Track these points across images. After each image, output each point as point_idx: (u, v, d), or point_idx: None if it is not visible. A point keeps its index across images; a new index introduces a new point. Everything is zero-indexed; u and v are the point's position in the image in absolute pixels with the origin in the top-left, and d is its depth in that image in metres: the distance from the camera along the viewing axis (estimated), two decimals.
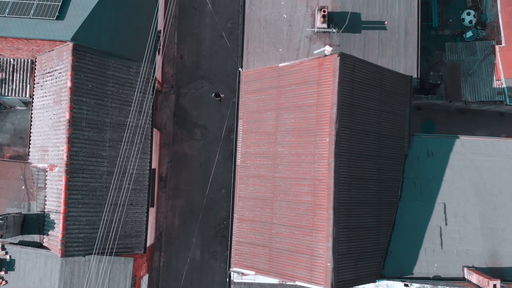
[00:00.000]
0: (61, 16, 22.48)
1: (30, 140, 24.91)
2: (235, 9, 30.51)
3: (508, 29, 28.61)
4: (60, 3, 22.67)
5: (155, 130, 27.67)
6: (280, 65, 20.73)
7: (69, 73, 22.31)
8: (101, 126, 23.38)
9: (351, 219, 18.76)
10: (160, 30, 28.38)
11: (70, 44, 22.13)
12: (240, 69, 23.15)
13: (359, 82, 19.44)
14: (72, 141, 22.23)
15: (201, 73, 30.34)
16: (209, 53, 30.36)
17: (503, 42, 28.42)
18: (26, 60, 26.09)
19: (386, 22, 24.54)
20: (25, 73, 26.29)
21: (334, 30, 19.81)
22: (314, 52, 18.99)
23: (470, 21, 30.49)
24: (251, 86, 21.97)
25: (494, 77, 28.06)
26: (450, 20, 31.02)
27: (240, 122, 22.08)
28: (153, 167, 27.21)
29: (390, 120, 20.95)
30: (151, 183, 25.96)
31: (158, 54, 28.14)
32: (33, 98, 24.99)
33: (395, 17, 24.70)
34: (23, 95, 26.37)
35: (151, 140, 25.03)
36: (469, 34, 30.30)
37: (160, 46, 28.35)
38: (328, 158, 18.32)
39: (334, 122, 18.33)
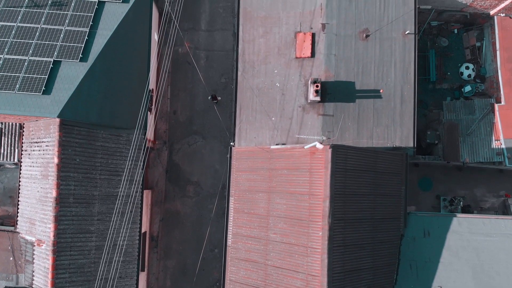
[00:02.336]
0: (47, 90, 21.90)
1: (18, 208, 24.37)
2: (229, 64, 29.93)
3: (507, 86, 28.02)
4: (46, 77, 22.09)
5: (146, 191, 27.10)
6: (271, 147, 20.19)
7: (56, 149, 21.74)
8: (89, 200, 22.80)
9: None
10: (153, 89, 27.85)
11: (57, 120, 21.57)
12: (231, 143, 22.61)
13: (352, 170, 18.88)
14: (59, 219, 21.67)
15: (195, 128, 29.76)
16: (203, 108, 29.78)
17: (502, 100, 27.82)
18: (14, 124, 25.52)
19: (381, 91, 23.95)
20: (13, 137, 25.70)
21: (324, 138, 19.24)
22: (305, 147, 18.40)
23: (469, 75, 29.90)
24: (242, 164, 21.41)
25: (493, 137, 27.48)
26: (449, 73, 30.43)
27: (232, 200, 21.53)
28: (144, 229, 26.69)
29: (385, 202, 20.39)
30: (142, 246, 25.45)
31: (150, 114, 27.63)
32: (21, 165, 24.42)
33: (390, 85, 24.10)
34: (11, 160, 25.78)
35: (141, 209, 24.47)
36: (467, 88, 29.73)
37: (152, 105, 27.83)
38: (321, 253, 17.76)
39: (327, 216, 17.77)
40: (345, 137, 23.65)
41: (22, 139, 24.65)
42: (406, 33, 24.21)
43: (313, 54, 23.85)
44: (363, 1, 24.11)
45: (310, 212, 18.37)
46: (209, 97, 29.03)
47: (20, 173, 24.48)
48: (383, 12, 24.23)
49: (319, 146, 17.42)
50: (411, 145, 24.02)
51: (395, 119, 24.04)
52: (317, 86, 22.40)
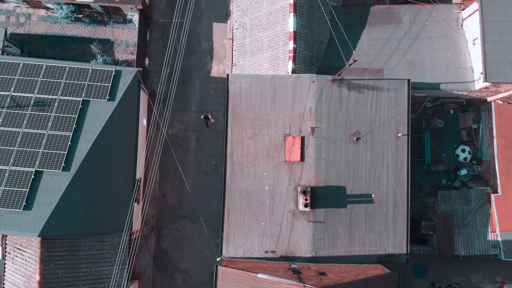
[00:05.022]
0: (28, 205, 21.24)
1: None
2: (219, 145, 29.25)
3: (504, 175, 27.31)
4: (27, 190, 21.43)
5: (132, 286, 26.43)
6: (258, 275, 19.52)
7: (37, 265, 21.14)
8: None
9: None
10: (140, 178, 27.19)
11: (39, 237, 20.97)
12: (218, 258, 21.95)
13: None
14: None
15: (184, 212, 29.09)
16: (193, 191, 29.09)
17: (499, 190, 27.11)
18: None
19: (373, 195, 23.26)
20: None
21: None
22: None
23: (465, 158, 29.18)
24: (228, 286, 20.72)
25: (489, 229, 26.75)
26: (444, 154, 29.70)
27: None
28: None
29: None
30: None
31: (138, 204, 26.98)
32: (5, 267, 23.81)
33: (383, 189, 23.40)
34: None
35: None
36: (463, 172, 29.01)
37: (140, 195, 27.17)
38: None
39: None
40: (336, 245, 22.99)
41: (6, 239, 24.03)
42: (399, 135, 23.51)
43: (302, 158, 23.16)
44: (354, 103, 23.43)
45: None
46: (202, 117, 28.39)
47: (4, 275, 23.87)
48: (374, 114, 23.54)
49: None
50: (405, 251, 23.30)
51: (388, 224, 23.33)
52: (306, 200, 21.74)
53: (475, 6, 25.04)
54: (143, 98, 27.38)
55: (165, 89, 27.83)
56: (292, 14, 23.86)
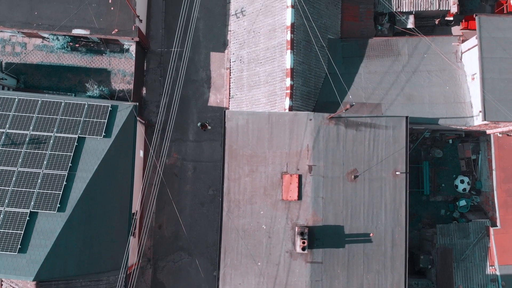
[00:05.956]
0: (23, 248, 21.04)
1: None
2: (217, 176, 29.05)
3: (503, 209, 27.08)
4: (22, 232, 21.24)
5: None
6: None
7: None
8: None
9: None
10: (136, 212, 26.97)
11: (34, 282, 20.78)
12: None
13: None
14: None
15: (180, 244, 28.87)
16: (189, 222, 28.89)
17: (498, 223, 26.89)
18: None
19: (371, 234, 23.06)
20: None
21: None
22: None
23: (464, 189, 28.95)
24: None
25: (488, 263, 26.55)
26: (443, 185, 29.48)
27: None
28: None
29: None
30: None
31: (134, 237, 26.77)
32: None
33: (381, 228, 23.20)
34: None
35: None
36: (462, 202, 28.81)
37: (136, 229, 26.96)
38: None
39: None
40: (334, 286, 22.76)
41: None
42: (397, 173, 23.30)
43: (300, 197, 22.97)
44: (351, 141, 23.23)
45: None
46: (199, 124, 28.06)
47: None
48: (372, 152, 23.34)
49: None
50: None
51: (386, 264, 23.12)
52: (303, 242, 21.54)
53: (474, 40, 24.84)
54: (140, 130, 27.19)
55: (162, 119, 27.59)
56: (289, 51, 23.68)
